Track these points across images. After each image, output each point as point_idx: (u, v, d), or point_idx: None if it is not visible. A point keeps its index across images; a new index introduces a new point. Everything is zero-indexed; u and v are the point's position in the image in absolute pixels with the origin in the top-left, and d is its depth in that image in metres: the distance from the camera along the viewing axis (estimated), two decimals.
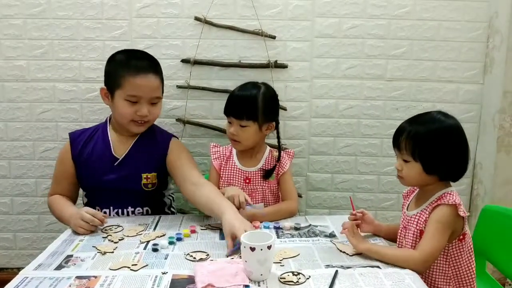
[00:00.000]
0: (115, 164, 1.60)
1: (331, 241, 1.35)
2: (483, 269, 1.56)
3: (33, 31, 1.96)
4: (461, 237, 1.27)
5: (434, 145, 1.24)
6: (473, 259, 1.32)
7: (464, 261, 1.29)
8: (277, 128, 1.69)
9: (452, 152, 1.25)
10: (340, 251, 1.28)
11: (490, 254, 1.53)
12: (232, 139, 1.63)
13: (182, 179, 1.58)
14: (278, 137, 1.71)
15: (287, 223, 1.48)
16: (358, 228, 1.37)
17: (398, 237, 1.36)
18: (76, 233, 1.39)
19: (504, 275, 1.51)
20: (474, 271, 1.32)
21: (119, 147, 1.63)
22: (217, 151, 1.71)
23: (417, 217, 1.30)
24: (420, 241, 1.23)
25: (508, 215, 1.46)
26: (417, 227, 1.28)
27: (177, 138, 1.73)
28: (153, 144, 1.65)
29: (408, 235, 1.31)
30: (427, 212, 1.27)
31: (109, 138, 1.63)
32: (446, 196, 1.25)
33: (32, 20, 1.95)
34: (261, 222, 1.49)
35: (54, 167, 1.69)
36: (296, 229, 1.45)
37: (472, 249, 1.32)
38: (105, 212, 1.58)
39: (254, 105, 1.58)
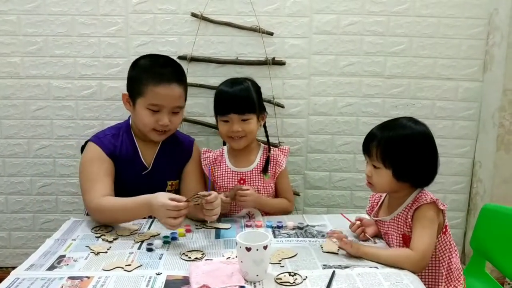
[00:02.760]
0: (143, 173, 1.58)
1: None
2: (483, 268, 1.54)
3: (28, 27, 1.94)
4: (444, 230, 1.28)
5: (405, 152, 1.24)
6: (456, 249, 1.34)
7: (451, 253, 1.30)
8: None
9: (423, 159, 1.25)
10: (324, 251, 1.26)
11: (489, 253, 1.52)
12: (234, 137, 1.60)
13: (186, 190, 1.60)
14: (265, 128, 1.73)
15: (290, 223, 1.46)
16: (364, 232, 1.35)
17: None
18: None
19: (503, 275, 1.49)
20: (460, 262, 1.33)
21: (146, 154, 1.59)
22: (207, 156, 1.69)
23: (394, 222, 1.31)
24: (412, 242, 1.22)
25: (508, 214, 1.45)
26: (398, 232, 1.30)
27: (194, 139, 1.74)
28: (178, 151, 1.63)
29: (391, 241, 1.32)
30: (404, 216, 1.27)
31: (137, 145, 1.59)
32: (421, 196, 1.26)
33: (26, 16, 1.93)
34: (263, 213, 1.54)
35: (85, 171, 1.48)
36: (300, 228, 1.43)
37: (453, 240, 1.33)
38: None
39: (251, 97, 1.59)
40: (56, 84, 1.99)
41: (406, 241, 1.28)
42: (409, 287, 1.06)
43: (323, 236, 1.38)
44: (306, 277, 1.09)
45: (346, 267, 1.15)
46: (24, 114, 2.01)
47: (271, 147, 1.69)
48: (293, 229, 1.43)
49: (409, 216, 1.26)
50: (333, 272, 1.11)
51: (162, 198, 1.27)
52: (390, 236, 1.33)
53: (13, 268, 1.15)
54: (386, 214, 1.35)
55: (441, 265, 1.29)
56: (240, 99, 1.58)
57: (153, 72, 1.49)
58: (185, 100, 1.60)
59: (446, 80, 2.03)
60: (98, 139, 1.55)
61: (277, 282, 1.07)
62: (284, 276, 1.09)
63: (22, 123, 2.02)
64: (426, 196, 1.26)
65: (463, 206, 2.14)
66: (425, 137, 1.27)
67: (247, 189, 1.53)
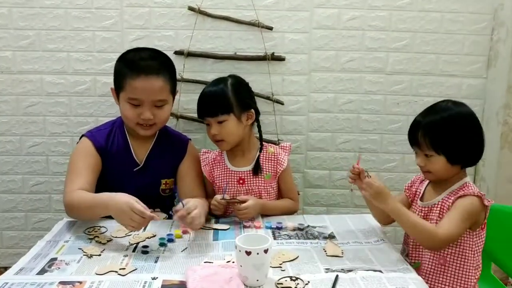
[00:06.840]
0: (134, 170, 1.54)
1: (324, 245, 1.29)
2: (488, 270, 1.52)
3: (19, 21, 1.88)
4: (482, 226, 1.26)
5: (453, 134, 1.24)
6: (480, 253, 1.28)
7: (475, 253, 1.26)
8: (257, 117, 1.62)
9: (471, 138, 1.26)
10: (328, 255, 1.22)
11: (494, 254, 1.49)
12: (215, 141, 1.56)
13: (182, 189, 1.58)
14: (259, 127, 1.64)
15: (290, 223, 1.42)
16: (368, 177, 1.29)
17: None
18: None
19: (507, 275, 1.47)
20: (480, 267, 1.29)
21: (138, 150, 1.56)
22: (206, 157, 1.64)
23: (438, 206, 1.28)
24: (442, 222, 1.21)
25: None
26: (440, 216, 1.26)
27: (190, 139, 1.69)
28: (171, 149, 1.60)
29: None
30: (450, 201, 1.25)
31: (129, 141, 1.56)
32: (468, 186, 1.26)
33: (18, 9, 1.87)
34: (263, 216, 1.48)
35: (71, 163, 1.49)
36: (300, 229, 1.39)
37: (483, 242, 1.29)
38: None
39: (225, 97, 1.52)
40: (48, 79, 1.93)
41: None
42: None
43: (325, 238, 1.34)
44: (308, 281, 1.05)
45: (349, 271, 1.11)
46: (16, 110, 1.95)
47: (272, 144, 1.64)
48: (293, 230, 1.39)
49: (450, 202, 1.24)
50: (337, 276, 1.07)
51: (129, 197, 1.22)
52: (430, 221, 1.28)
53: (5, 268, 1.12)
54: (431, 198, 1.32)
55: (459, 259, 1.25)
56: (212, 101, 1.53)
57: (131, 65, 1.46)
58: (174, 93, 1.55)
59: (449, 76, 1.99)
60: (90, 133, 1.55)
61: (278, 287, 1.02)
62: (286, 280, 1.05)
63: (14, 120, 1.96)
64: (473, 188, 1.25)
65: None
66: (469, 116, 1.28)
67: (244, 202, 1.44)
